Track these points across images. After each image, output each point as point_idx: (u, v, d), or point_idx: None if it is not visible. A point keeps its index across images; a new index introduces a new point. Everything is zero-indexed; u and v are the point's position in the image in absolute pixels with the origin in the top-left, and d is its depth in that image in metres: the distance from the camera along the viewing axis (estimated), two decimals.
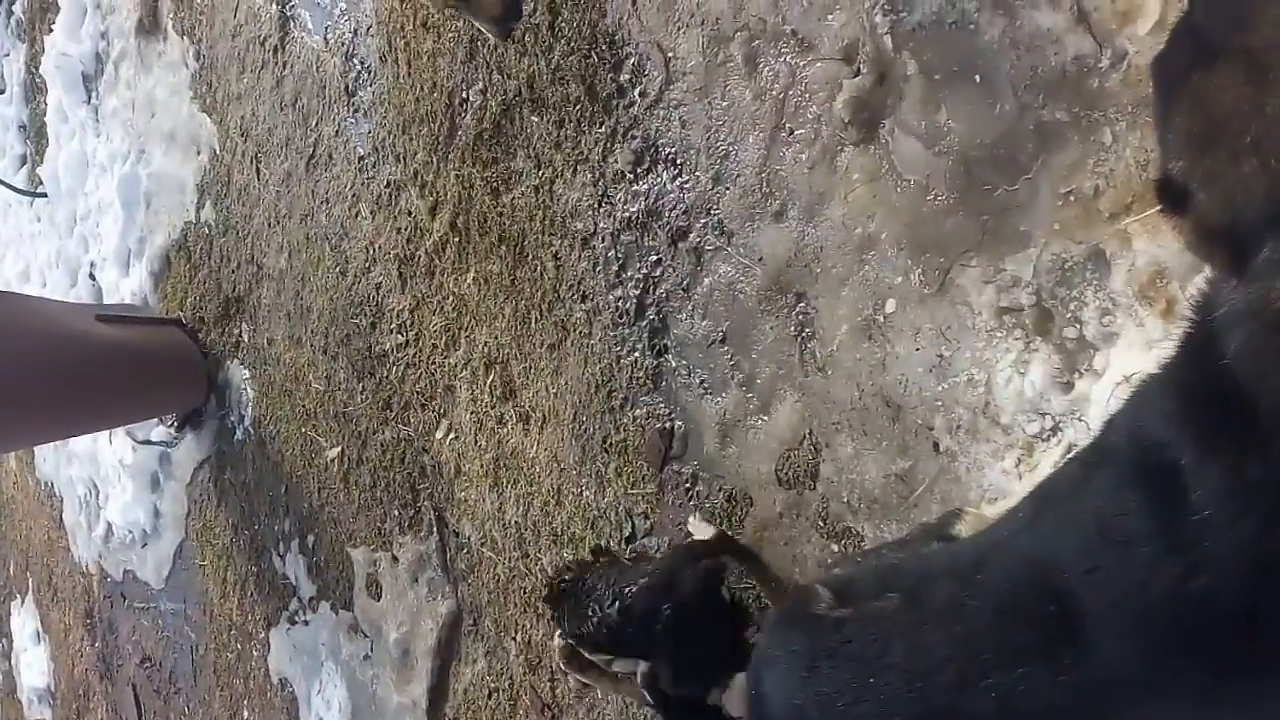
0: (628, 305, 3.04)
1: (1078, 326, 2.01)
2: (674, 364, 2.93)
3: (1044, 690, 1.21)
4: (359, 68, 4.02)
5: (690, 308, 2.87)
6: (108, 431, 5.84)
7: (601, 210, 3.09)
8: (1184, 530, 1.05)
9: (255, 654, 4.99)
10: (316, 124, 4.27)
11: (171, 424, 5.34)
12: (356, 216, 4.09)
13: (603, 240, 3.12)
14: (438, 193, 3.68)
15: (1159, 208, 1.71)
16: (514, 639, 3.50)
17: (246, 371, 4.91)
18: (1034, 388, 2.07)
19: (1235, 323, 1.02)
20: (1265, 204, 0.95)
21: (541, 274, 3.35)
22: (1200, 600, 1.05)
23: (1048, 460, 2.04)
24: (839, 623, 1.47)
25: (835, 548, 2.57)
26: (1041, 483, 1.41)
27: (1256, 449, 1.00)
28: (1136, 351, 1.90)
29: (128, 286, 5.66)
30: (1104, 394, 1.93)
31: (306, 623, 4.57)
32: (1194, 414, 1.09)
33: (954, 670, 1.29)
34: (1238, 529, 1.01)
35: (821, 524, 2.56)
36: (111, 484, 5.95)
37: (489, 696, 3.62)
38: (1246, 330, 1.01)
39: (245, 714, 5.11)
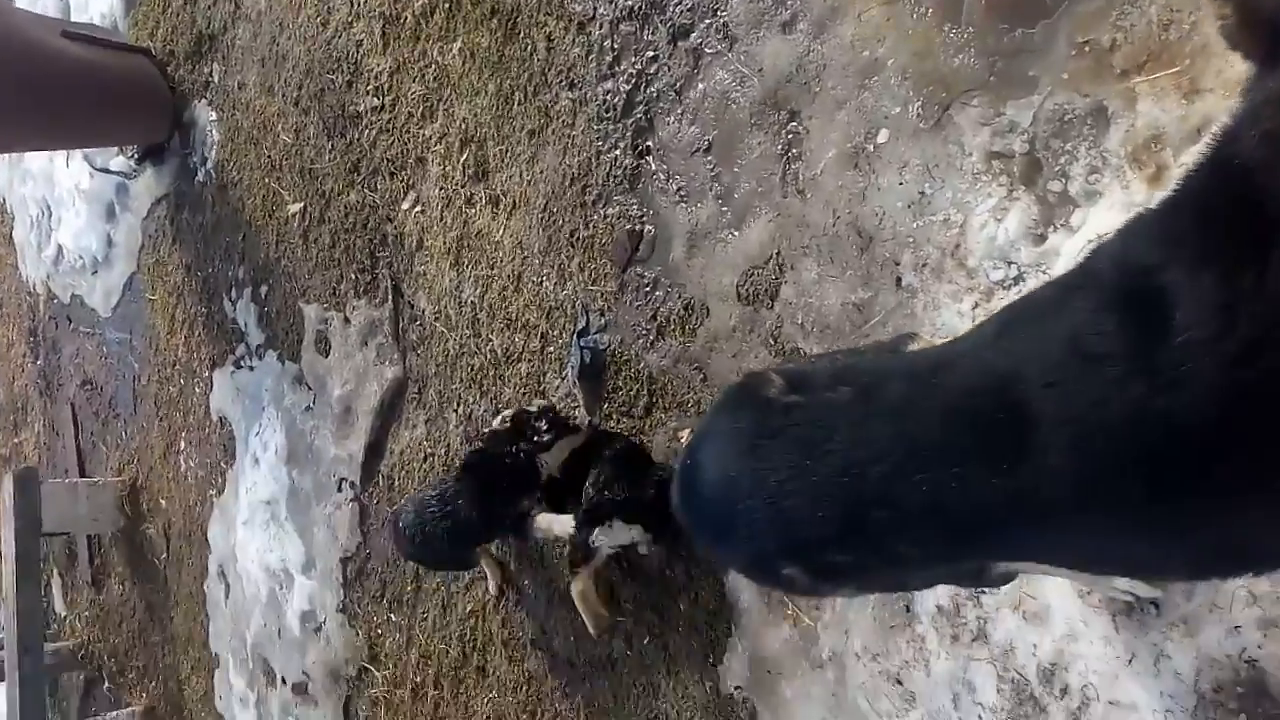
0: (616, 100, 2.97)
1: (1063, 181, 2.02)
2: (654, 167, 2.90)
3: (976, 490, 1.25)
4: None
5: (680, 111, 2.82)
6: (65, 153, 5.68)
7: None
8: (1159, 352, 1.07)
9: (197, 391, 5.04)
10: None
11: (132, 155, 5.19)
12: None
13: (600, 28, 3.02)
14: None
15: None
16: (455, 411, 3.58)
17: (214, 113, 4.76)
18: (1007, 235, 2.09)
19: (1260, 110, 1.01)
20: None
21: (531, 54, 3.24)
22: (1157, 421, 1.08)
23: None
24: (788, 407, 1.50)
25: None
26: (1014, 301, 1.42)
27: (1254, 256, 1.00)
28: (1116, 213, 1.91)
29: (97, 7, 5.40)
30: (1074, 250, 1.96)
31: (252, 368, 4.61)
32: (1193, 227, 1.09)
33: (892, 463, 1.33)
34: (1218, 350, 1.02)
35: (772, 342, 2.61)
36: (65, 207, 5.83)
37: (424, 460, 3.73)
38: (1272, 115, 1.00)
39: (182, 445, 5.21)
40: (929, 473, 1.30)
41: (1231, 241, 1.03)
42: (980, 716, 2.19)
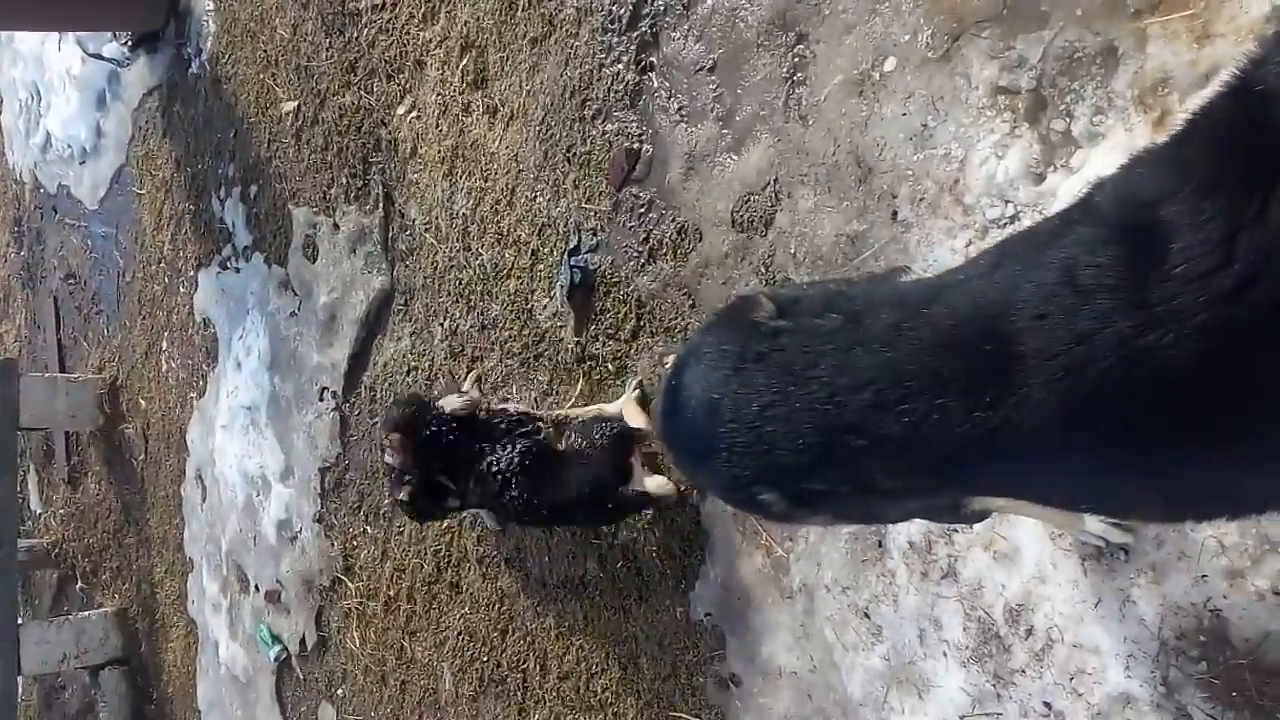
0: (622, 11, 2.89)
1: (1067, 120, 1.98)
2: (656, 84, 2.84)
3: (956, 423, 1.23)
4: None
5: (686, 27, 2.75)
6: (57, 35, 5.54)
7: None
8: (1152, 287, 1.04)
9: (182, 290, 4.99)
10: None
11: (125, 42, 5.07)
12: None
13: None
14: None
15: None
16: (441, 325, 3.55)
17: (210, 3, 4.64)
18: (1006, 173, 2.06)
19: None
20: None
21: None
22: (1142, 359, 1.06)
23: None
24: (775, 331, 1.49)
25: None
26: (1013, 234, 1.39)
27: (1260, 187, 0.97)
28: (1117, 156, 1.86)
29: None
30: (1072, 191, 1.92)
31: (238, 270, 4.56)
32: (1202, 153, 1.06)
33: (875, 391, 1.32)
34: (1212, 284, 1.00)
35: (763, 270, 2.58)
36: (56, 93, 5.71)
37: (407, 373, 3.70)
38: None
39: (164, 345, 5.17)
40: (911, 403, 1.29)
41: (1240, 170, 1.00)
42: (945, 653, 2.21)
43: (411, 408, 3.04)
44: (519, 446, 2.82)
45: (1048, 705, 2.03)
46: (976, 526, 2.09)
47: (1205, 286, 1.00)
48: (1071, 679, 1.99)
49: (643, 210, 2.89)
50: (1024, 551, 2.07)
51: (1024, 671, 2.06)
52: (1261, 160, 0.98)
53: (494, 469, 2.83)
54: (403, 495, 3.04)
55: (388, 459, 3.06)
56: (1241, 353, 1.03)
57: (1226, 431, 1.09)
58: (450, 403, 2.99)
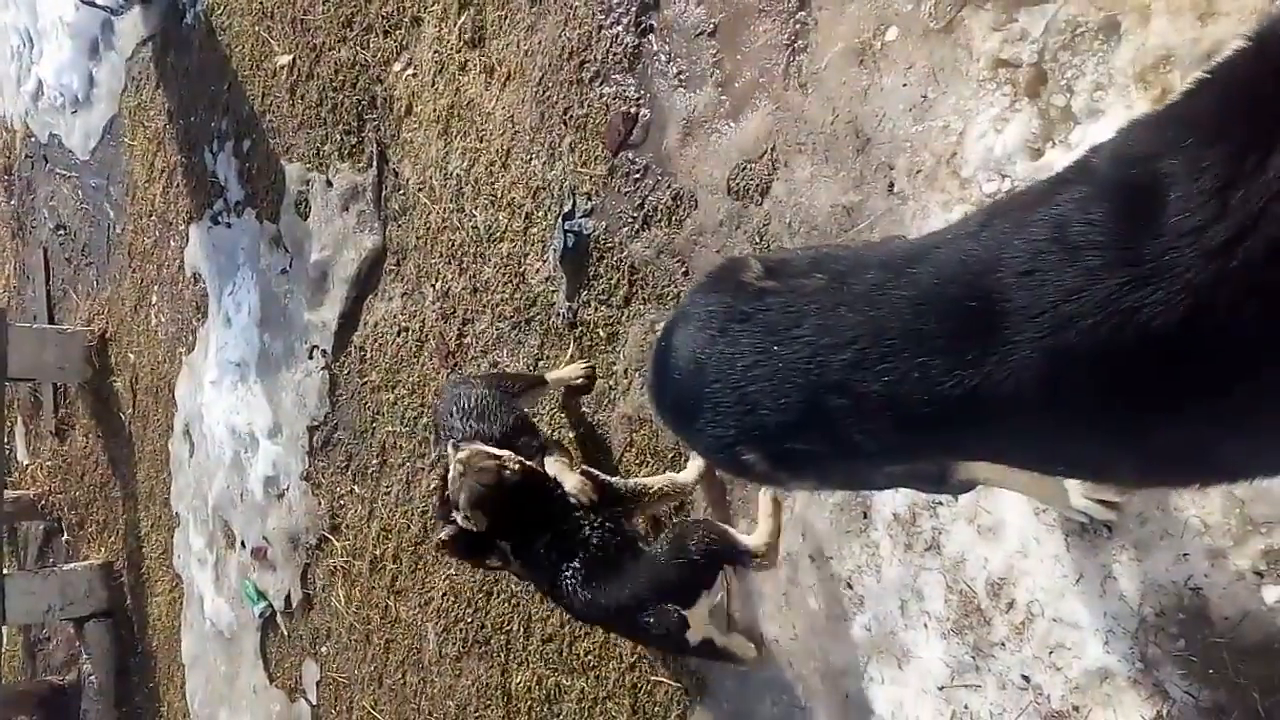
0: None
1: (1068, 95, 1.96)
2: (656, 47, 2.81)
3: (938, 381, 1.22)
4: None
5: None
6: None
7: None
8: (1144, 243, 1.03)
9: (173, 244, 4.95)
10: None
11: None
12: None
13: None
14: None
15: None
16: (433, 286, 3.53)
17: None
18: (1004, 148, 2.04)
19: None
20: None
21: None
22: (1129, 316, 1.04)
23: None
24: (761, 292, 1.48)
25: None
26: (1002, 197, 1.37)
27: (1265, 137, 0.95)
28: None
29: None
30: None
31: (229, 225, 4.53)
32: (1211, 103, 1.04)
33: (856, 351, 1.31)
34: (1205, 238, 0.98)
35: (758, 239, 2.57)
36: (49, 40, 5.64)
37: (398, 334, 3.69)
38: None
39: (153, 299, 5.15)
40: (892, 361, 1.27)
41: (1248, 121, 0.98)
42: (926, 625, 2.22)
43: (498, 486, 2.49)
44: (600, 531, 2.47)
45: (1026, 678, 2.04)
46: (961, 499, 2.09)
47: (1197, 240, 0.99)
48: (1050, 653, 2.00)
49: (638, 176, 2.87)
50: (1007, 526, 2.07)
51: (1004, 644, 2.08)
52: (1269, 113, 0.96)
53: (564, 549, 2.47)
54: (443, 535, 2.63)
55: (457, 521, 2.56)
56: (1228, 309, 1.01)
57: (1206, 391, 1.07)
58: (570, 482, 2.52)
